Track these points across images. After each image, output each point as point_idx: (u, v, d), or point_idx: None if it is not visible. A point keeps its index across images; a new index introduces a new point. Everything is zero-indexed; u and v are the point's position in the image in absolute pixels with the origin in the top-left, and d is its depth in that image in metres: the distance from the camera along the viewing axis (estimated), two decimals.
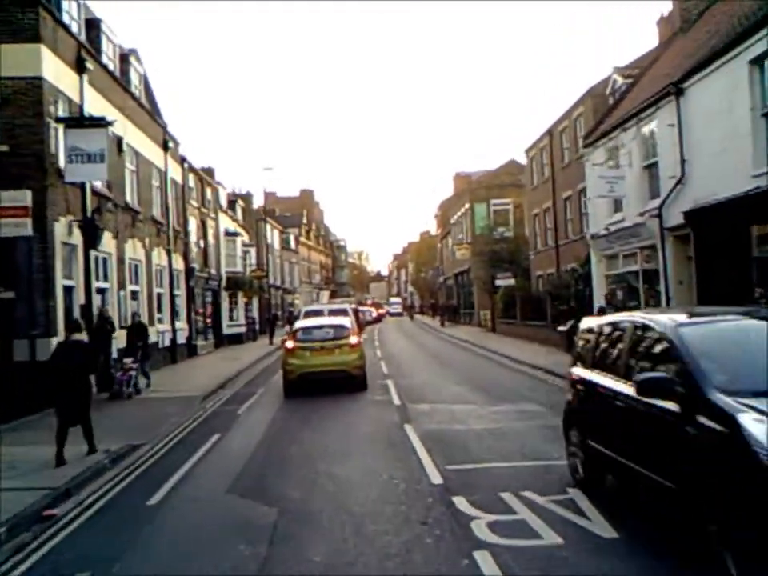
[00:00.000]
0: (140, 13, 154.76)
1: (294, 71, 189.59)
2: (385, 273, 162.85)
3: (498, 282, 36.44)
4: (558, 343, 25.43)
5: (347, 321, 17.62)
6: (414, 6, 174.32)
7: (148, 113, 25.29)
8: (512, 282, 36.12)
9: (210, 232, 36.82)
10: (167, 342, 25.97)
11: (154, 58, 64.59)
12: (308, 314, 22.65)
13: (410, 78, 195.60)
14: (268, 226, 59.11)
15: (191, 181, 32.64)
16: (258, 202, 64.96)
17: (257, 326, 44.52)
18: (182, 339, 28.93)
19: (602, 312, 17.65)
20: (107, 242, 18.88)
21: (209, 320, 35.11)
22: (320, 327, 16.94)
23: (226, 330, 38.96)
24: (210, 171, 42.91)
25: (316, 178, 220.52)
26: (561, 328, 24.26)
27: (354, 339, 16.35)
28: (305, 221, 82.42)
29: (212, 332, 35.65)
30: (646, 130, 18.62)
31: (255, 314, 46.24)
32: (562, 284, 27.09)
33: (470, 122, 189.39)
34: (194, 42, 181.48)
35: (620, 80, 24.71)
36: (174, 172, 29.01)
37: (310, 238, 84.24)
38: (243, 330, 41.44)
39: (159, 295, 25.54)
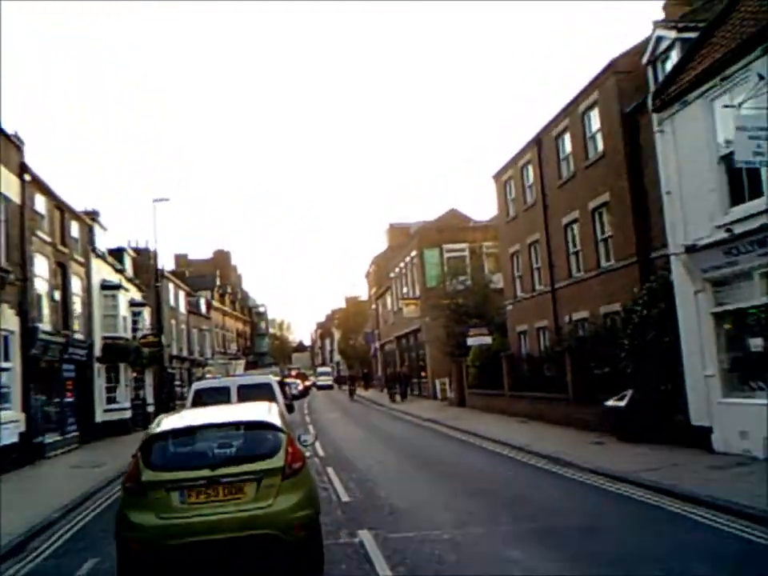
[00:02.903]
0: None
1: (210, 134, 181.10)
2: (307, 342, 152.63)
3: (471, 341, 27.58)
4: (595, 426, 16.68)
5: (271, 411, 7.90)
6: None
7: None
8: (488, 340, 27.35)
9: (77, 283, 26.68)
10: None
11: None
12: (201, 397, 12.95)
13: (326, 131, 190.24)
14: (171, 286, 48.92)
15: (41, 204, 22.74)
16: (167, 266, 54.98)
17: (150, 408, 33.93)
18: (12, 437, 18.66)
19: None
20: None
21: (68, 405, 24.54)
22: (211, 428, 7.32)
23: (101, 417, 28.36)
24: (93, 214, 32.96)
25: (233, 245, 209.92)
26: (611, 403, 15.45)
27: (290, 457, 6.81)
28: (218, 283, 72.14)
29: (76, 422, 25.07)
30: None
31: (150, 392, 35.72)
32: (597, 334, 18.40)
33: (398, 175, 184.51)
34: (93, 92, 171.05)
35: (670, 35, 16.79)
36: (5, 184, 19.22)
37: (224, 303, 73.87)
38: (128, 414, 30.81)
39: None
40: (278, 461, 6.72)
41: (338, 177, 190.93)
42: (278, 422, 7.23)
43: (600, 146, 20.77)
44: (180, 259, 79.58)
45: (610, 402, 15.45)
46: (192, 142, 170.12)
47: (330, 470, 14.30)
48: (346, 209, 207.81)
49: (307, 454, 8.51)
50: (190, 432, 7.16)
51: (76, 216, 27.02)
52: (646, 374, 14.64)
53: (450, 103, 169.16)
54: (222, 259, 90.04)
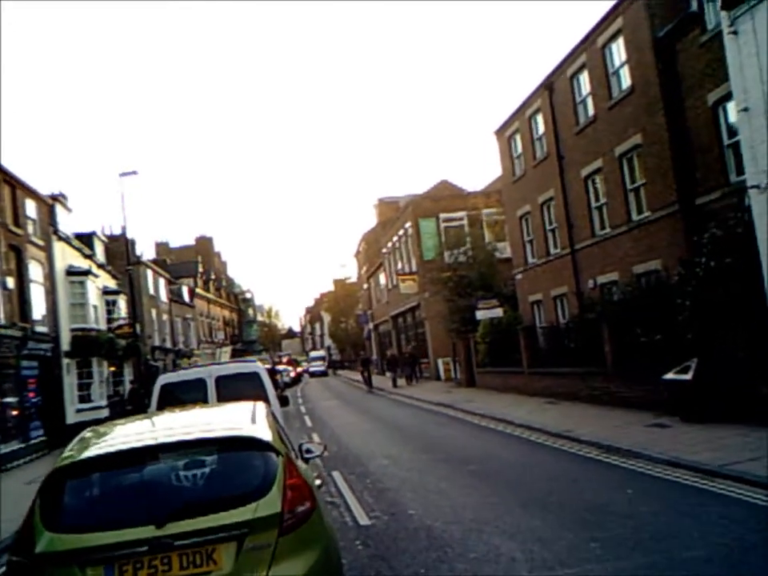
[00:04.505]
0: None
1: (190, 115, 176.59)
2: (297, 329, 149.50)
3: (480, 315, 24.85)
4: (645, 404, 14.12)
5: (257, 417, 4.83)
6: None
7: None
8: (499, 312, 24.65)
9: (36, 269, 23.69)
10: None
11: None
12: (169, 395, 9.84)
13: (312, 112, 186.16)
14: (150, 273, 45.87)
15: None
16: (147, 255, 51.59)
17: (129, 407, 31.01)
18: None
19: None
20: None
21: (30, 407, 21.67)
22: (160, 453, 4.24)
23: (73, 418, 25.54)
24: (59, 197, 29.83)
25: (215, 231, 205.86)
26: (671, 376, 12.80)
27: (290, 495, 3.97)
28: (201, 269, 68.94)
29: (42, 425, 22.22)
30: None
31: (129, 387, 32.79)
32: (640, 297, 15.66)
33: (385, 149, 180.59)
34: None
35: None
36: None
37: (209, 290, 70.76)
38: (105, 413, 27.93)
39: None
40: (270, 504, 3.95)
41: (322, 155, 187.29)
42: (267, 435, 4.42)
43: (626, 82, 18.02)
44: (160, 247, 76.11)
45: (670, 375, 12.78)
46: (171, 124, 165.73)
47: (336, 474, 11.60)
48: (332, 188, 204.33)
49: (317, 482, 5.57)
50: (124, 460, 4.25)
51: (32, 194, 23.95)
52: (717, 340, 11.99)
53: (438, 70, 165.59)
54: (204, 246, 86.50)
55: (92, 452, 4.36)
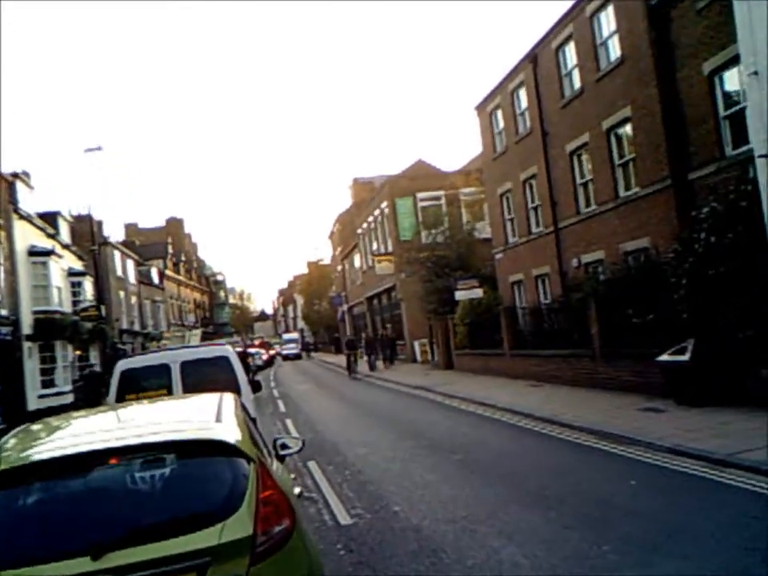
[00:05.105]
0: None
1: (160, 93, 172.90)
2: (270, 312, 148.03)
3: (459, 295, 24.12)
4: (635, 387, 13.57)
5: (224, 413, 4.01)
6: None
7: None
8: (479, 293, 23.95)
9: None
10: None
11: None
12: (130, 383, 8.98)
13: (286, 91, 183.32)
14: (117, 254, 44.48)
15: None
16: (116, 236, 49.74)
17: (79, 395, 29.78)
18: None
19: None
20: None
21: None
22: (102, 459, 3.33)
23: (35, 404, 24.42)
24: (22, 176, 28.41)
25: (186, 212, 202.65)
26: (666, 358, 12.19)
27: (264, 512, 3.18)
28: (171, 250, 67.37)
29: (1, 411, 21.09)
30: None
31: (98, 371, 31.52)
32: (629, 276, 15.00)
33: (359, 129, 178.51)
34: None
35: None
36: None
37: (179, 272, 69.28)
38: (70, 399, 26.79)
39: None
40: (240, 524, 3.13)
41: (296, 135, 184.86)
42: (236, 436, 3.57)
43: (616, 52, 17.29)
44: (129, 228, 74.22)
45: (665, 357, 12.15)
46: (141, 104, 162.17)
47: (312, 465, 10.79)
48: (305, 169, 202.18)
49: (296, 489, 4.59)
50: (54, 470, 3.32)
51: None
52: (717, 318, 11.36)
53: (413, 48, 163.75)
54: (174, 227, 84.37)
55: (14, 460, 3.45)
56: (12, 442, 3.85)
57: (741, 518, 6.16)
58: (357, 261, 49.20)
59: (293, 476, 5.86)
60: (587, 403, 13.84)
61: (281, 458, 5.03)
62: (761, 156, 9.71)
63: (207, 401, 4.58)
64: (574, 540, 6.10)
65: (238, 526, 3.11)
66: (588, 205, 19.32)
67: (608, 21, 17.60)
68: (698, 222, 12.04)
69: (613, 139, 17.74)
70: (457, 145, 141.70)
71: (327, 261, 78.36)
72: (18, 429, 4.30)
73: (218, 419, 3.85)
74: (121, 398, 8.94)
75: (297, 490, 4.38)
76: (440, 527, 6.85)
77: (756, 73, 9.90)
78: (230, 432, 3.62)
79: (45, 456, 3.42)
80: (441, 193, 35.00)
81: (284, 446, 5.27)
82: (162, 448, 3.42)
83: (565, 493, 7.64)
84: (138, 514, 3.20)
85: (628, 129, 17.14)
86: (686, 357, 11.61)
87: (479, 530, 6.64)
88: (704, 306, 11.62)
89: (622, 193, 17.55)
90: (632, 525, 6.35)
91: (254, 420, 6.18)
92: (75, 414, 5.03)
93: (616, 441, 10.16)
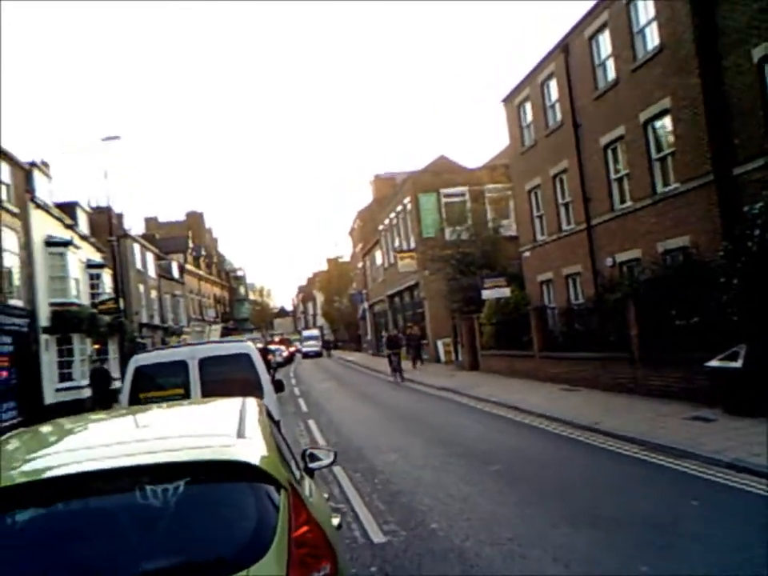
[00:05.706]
0: None
1: (184, 91, 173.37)
2: (289, 308, 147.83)
3: (486, 294, 23.38)
4: (680, 394, 12.79)
5: (246, 424, 3.26)
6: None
7: None
8: (507, 292, 23.20)
9: (11, 238, 22.07)
10: None
11: None
12: (146, 380, 8.34)
13: (308, 87, 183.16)
14: (137, 247, 44.17)
15: None
16: (136, 230, 49.25)
17: (118, 383, 29.47)
18: None
19: None
20: None
21: (3, 384, 20.13)
22: (97, 485, 2.63)
23: (52, 398, 24.07)
24: (41, 165, 28.10)
25: (207, 207, 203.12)
26: (716, 364, 11.41)
27: (298, 554, 2.52)
28: (191, 244, 67.14)
29: (17, 405, 20.72)
30: None
31: (116, 366, 31.17)
32: (671, 276, 14.18)
33: (382, 126, 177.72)
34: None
35: None
36: None
37: (199, 266, 69.03)
38: (87, 393, 26.38)
39: None
40: (267, 572, 2.47)
41: (317, 131, 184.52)
42: (262, 454, 2.85)
43: (654, 41, 16.48)
44: (150, 222, 74.18)
45: (714, 363, 11.37)
46: (163, 100, 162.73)
47: (338, 471, 10.15)
48: (326, 165, 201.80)
49: (335, 521, 3.68)
50: (37, 497, 2.61)
51: (5, 156, 22.23)
52: None
53: (436, 44, 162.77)
54: (195, 221, 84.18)
55: None
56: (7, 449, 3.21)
57: None
58: (378, 258, 48.55)
59: (325, 495, 5.18)
60: (628, 410, 13.08)
61: (310, 472, 4.38)
62: None
63: (227, 407, 3.92)
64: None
65: (266, 570, 2.45)
66: (623, 201, 18.52)
67: (646, 7, 16.79)
68: (751, 218, 11.26)
69: (650, 132, 16.93)
70: (479, 142, 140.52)
71: (347, 258, 77.80)
72: (7, 435, 3.67)
73: (241, 434, 3.09)
74: (134, 396, 8.37)
75: (335, 521, 3.67)
76: (485, 550, 6.18)
77: None
78: (255, 449, 2.90)
79: (38, 477, 2.72)
80: (465, 189, 34.24)
81: (313, 457, 4.63)
82: (171, 472, 2.66)
83: (621, 513, 6.94)
84: (140, 559, 2.50)
85: (667, 121, 16.33)
86: (738, 363, 10.83)
87: (530, 554, 5.97)
88: (758, 308, 10.84)
89: (659, 188, 16.74)
90: (709, 556, 5.62)
91: (277, 423, 5.57)
92: (75, 418, 4.34)
93: (666, 453, 9.42)
